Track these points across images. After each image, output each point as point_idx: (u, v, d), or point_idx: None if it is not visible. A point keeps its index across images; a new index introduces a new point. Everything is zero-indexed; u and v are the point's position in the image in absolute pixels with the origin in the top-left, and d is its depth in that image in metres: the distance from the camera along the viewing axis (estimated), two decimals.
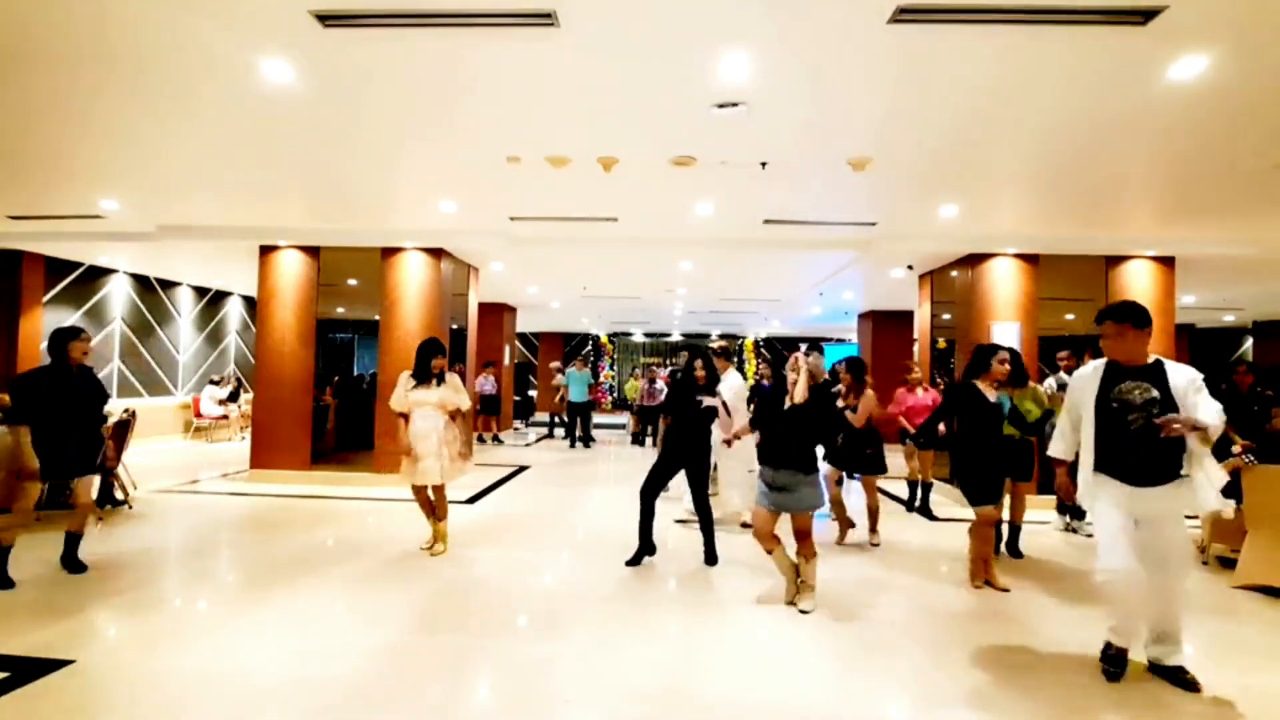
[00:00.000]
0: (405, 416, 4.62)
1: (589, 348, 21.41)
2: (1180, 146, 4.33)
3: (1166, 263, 7.10)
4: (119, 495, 6.18)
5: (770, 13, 2.87)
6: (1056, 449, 3.22)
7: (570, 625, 3.46)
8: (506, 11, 2.86)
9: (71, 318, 9.55)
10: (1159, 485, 2.80)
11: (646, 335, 21.68)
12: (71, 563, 4.26)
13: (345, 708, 2.60)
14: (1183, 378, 2.81)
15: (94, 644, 3.18)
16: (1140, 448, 2.80)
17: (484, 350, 12.48)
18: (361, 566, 4.42)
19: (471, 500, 6.77)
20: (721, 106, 3.79)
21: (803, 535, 3.67)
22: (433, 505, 4.77)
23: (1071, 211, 6.02)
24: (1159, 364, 2.88)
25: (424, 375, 4.62)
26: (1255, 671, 3.08)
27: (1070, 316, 9.20)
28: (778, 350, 21.10)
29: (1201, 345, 15.20)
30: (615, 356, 21.86)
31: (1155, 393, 2.79)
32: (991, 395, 4.24)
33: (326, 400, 9.41)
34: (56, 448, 4.02)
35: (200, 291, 12.08)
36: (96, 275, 9.94)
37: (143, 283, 10.80)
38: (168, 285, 11.33)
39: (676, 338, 21.52)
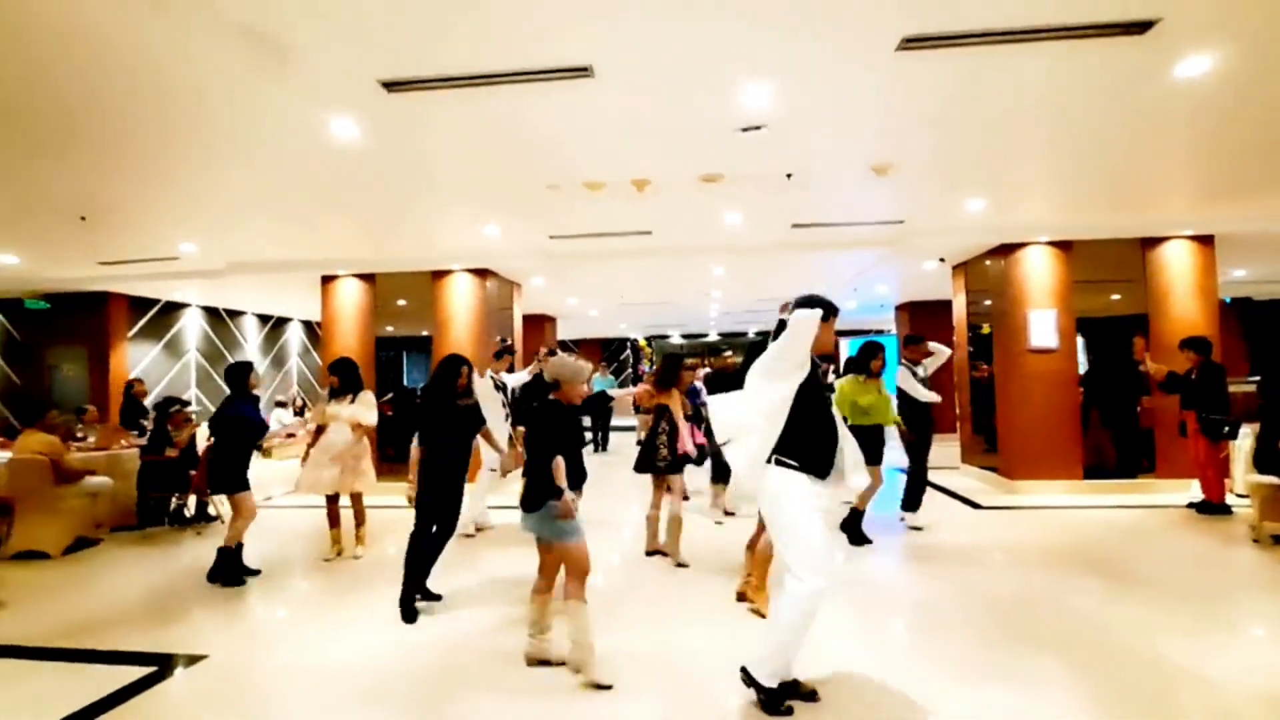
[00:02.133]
0: (321, 428, 5.12)
1: (626, 352, 21.79)
2: (1204, 131, 4.40)
3: (1205, 241, 7.05)
4: (211, 512, 6.79)
5: (785, 50, 3.15)
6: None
7: (625, 612, 3.78)
8: (548, 68, 3.21)
9: (152, 350, 10.37)
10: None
11: (684, 337, 21.95)
12: (240, 568, 4.74)
13: (423, 694, 2.98)
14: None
15: (223, 640, 3.65)
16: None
17: (528, 361, 12.94)
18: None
19: None
20: (745, 130, 4.07)
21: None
22: (338, 515, 5.21)
23: (1102, 198, 6.08)
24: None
25: (342, 390, 5.14)
26: None
27: (1116, 297, 9.12)
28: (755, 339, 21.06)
29: (1254, 319, 14.65)
30: (654, 359, 22.19)
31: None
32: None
33: (386, 412, 9.98)
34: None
35: (264, 319, 12.89)
36: (172, 310, 10.76)
37: (213, 314, 11.62)
38: (235, 315, 12.15)
39: (714, 338, 21.73)
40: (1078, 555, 4.76)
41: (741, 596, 3.87)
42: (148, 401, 8.52)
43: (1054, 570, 4.43)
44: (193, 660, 3.38)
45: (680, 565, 4.66)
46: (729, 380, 4.70)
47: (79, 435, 7.13)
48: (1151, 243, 7.11)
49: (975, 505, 6.54)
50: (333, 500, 5.19)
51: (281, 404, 12.53)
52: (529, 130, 4.02)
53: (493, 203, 5.68)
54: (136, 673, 3.24)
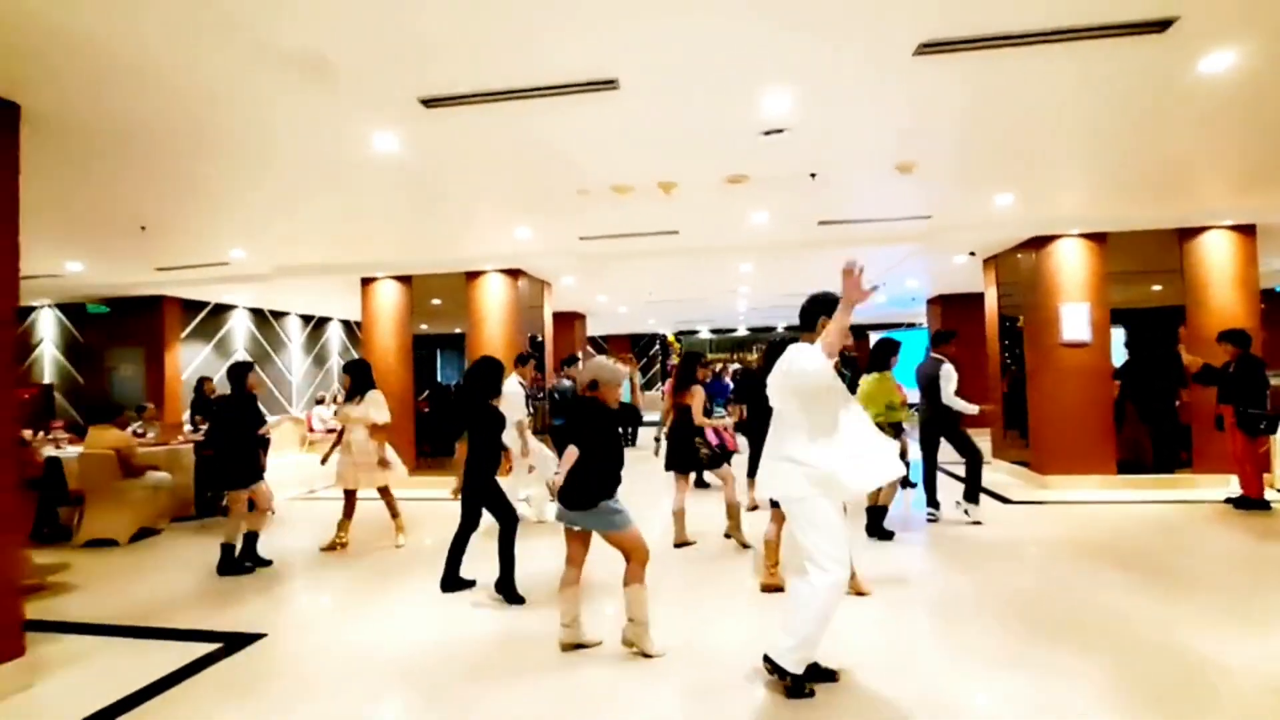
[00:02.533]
0: (342, 429, 5.43)
1: (656, 347, 21.94)
2: (1236, 123, 4.34)
3: (1246, 231, 6.88)
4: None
5: (803, 59, 3.26)
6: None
7: (656, 599, 3.95)
8: (576, 82, 3.37)
9: (203, 351, 10.90)
10: None
11: (713, 332, 22.00)
12: (252, 557, 5.05)
13: (468, 670, 3.19)
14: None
15: (279, 621, 3.93)
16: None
17: (558, 356, 13.20)
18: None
19: None
20: (767, 133, 4.18)
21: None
22: (352, 508, 5.50)
23: (1136, 190, 5.99)
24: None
25: (353, 392, 5.45)
26: None
27: (1157, 288, 8.90)
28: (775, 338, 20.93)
29: None
30: (683, 354, 22.28)
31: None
32: None
33: (424, 408, 10.33)
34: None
35: (306, 319, 13.39)
36: (221, 311, 11.27)
37: (259, 315, 12.13)
38: (279, 316, 12.65)
39: (743, 333, 21.74)
40: (1106, 550, 4.76)
41: (767, 588, 4.00)
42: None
43: (1080, 564, 4.45)
44: (253, 639, 3.66)
45: (745, 546, 4.95)
46: (757, 379, 4.76)
47: (140, 432, 7.58)
48: (1189, 233, 6.97)
49: (1005, 500, 6.54)
50: (350, 494, 5.48)
51: (320, 401, 13.00)
52: (558, 139, 4.20)
53: (524, 207, 5.89)
54: (204, 649, 3.53)
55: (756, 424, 4.35)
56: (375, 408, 5.47)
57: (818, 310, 2.89)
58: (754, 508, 6.28)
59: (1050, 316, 7.09)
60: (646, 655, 3.15)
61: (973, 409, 5.54)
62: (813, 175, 5.12)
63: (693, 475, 5.12)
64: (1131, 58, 3.33)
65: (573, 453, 3.15)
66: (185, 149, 4.16)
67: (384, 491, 5.56)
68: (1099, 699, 2.70)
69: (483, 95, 3.47)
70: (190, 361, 10.61)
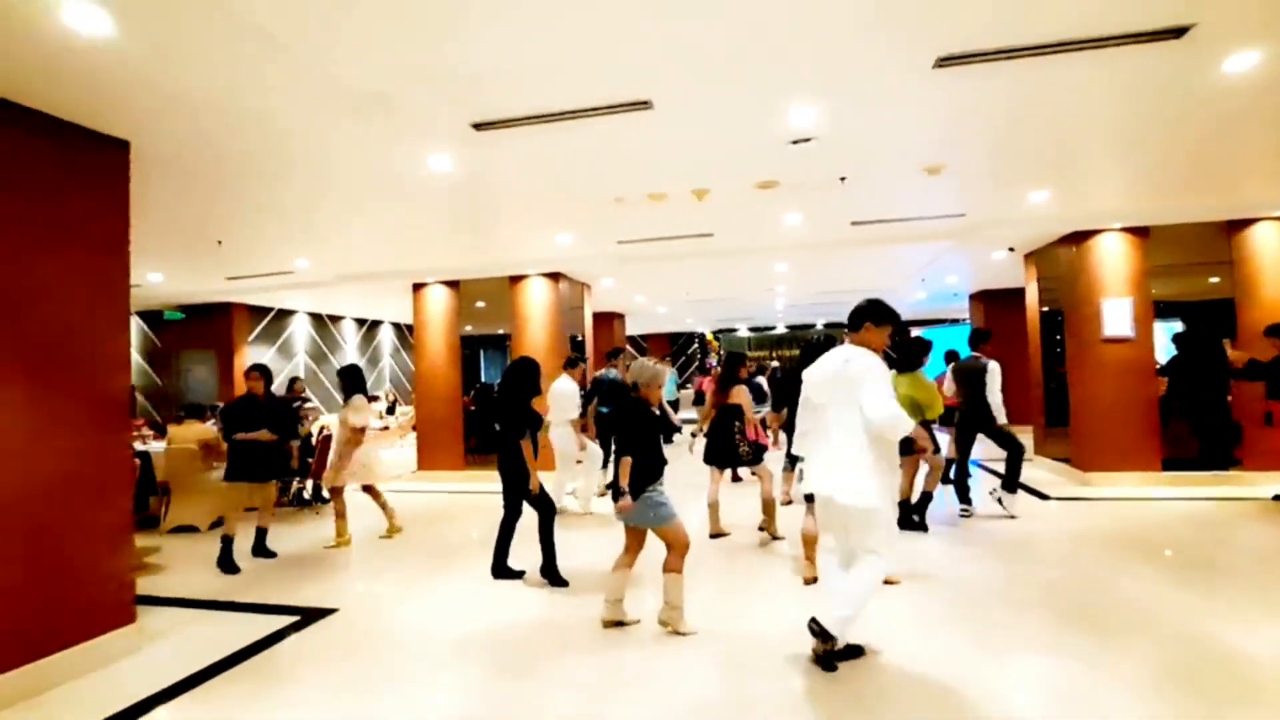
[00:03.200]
0: (362, 430, 5.67)
1: (695, 346, 22.11)
2: (1270, 117, 4.33)
3: None
4: (325, 495, 7.69)
5: (826, 75, 3.45)
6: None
7: (693, 586, 4.20)
8: (614, 104, 3.64)
9: (268, 353, 11.61)
10: None
11: (751, 330, 22.05)
12: (260, 550, 5.38)
13: (518, 647, 3.50)
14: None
15: (348, 599, 4.33)
16: None
17: (599, 354, 13.55)
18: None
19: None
20: (795, 142, 4.37)
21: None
22: (341, 508, 5.72)
23: (1178, 183, 5.91)
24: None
25: (345, 396, 5.74)
26: None
27: (1214, 280, 8.66)
28: (811, 338, 20.72)
29: None
30: (721, 354, 22.40)
31: None
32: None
33: (470, 406, 10.80)
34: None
35: (360, 322, 14.08)
36: (283, 316, 11.99)
37: (317, 319, 12.83)
38: (335, 319, 13.36)
39: (781, 330, 21.73)
40: (1143, 544, 4.79)
41: (810, 581, 4.20)
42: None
43: (1115, 558, 4.50)
44: (326, 613, 4.06)
45: (777, 538, 5.20)
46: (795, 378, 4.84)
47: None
48: (1238, 225, 6.82)
49: (1044, 496, 6.54)
50: (335, 492, 5.78)
51: (374, 399, 13.67)
52: (597, 155, 4.48)
53: (565, 215, 6.20)
54: (283, 621, 3.94)
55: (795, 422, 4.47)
56: (353, 412, 5.73)
57: (865, 316, 3.11)
58: (788, 502, 6.45)
59: (1092, 312, 7.04)
60: (680, 633, 3.44)
61: (1001, 416, 5.66)
62: (842, 179, 5.27)
63: (728, 470, 5.36)
64: (1154, 62, 3.40)
65: (627, 463, 3.42)
66: (262, 174, 4.61)
67: (369, 490, 5.82)
68: (1126, 687, 2.81)
69: (528, 118, 3.78)
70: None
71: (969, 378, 5.84)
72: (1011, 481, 5.68)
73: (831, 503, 3.01)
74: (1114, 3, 2.88)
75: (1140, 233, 6.95)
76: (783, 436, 5.40)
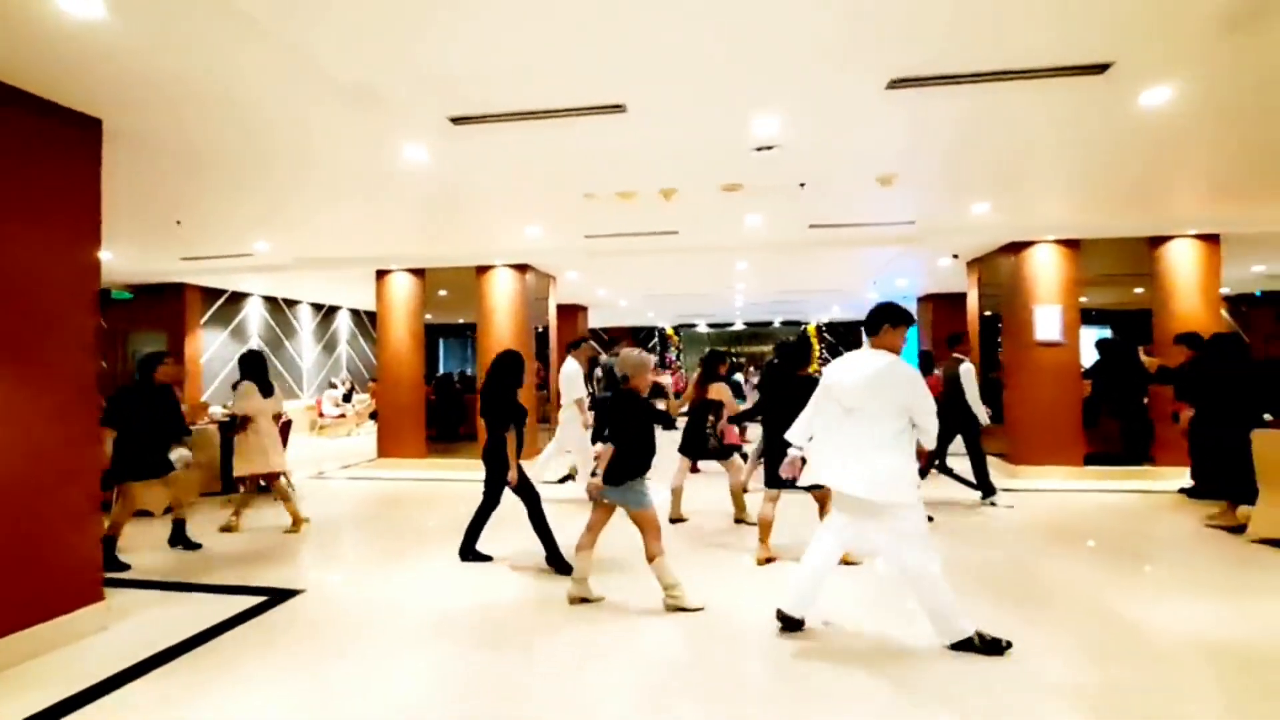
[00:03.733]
0: (250, 418, 5.64)
1: (655, 340, 22.38)
2: (1181, 147, 4.79)
3: (1210, 240, 7.34)
4: (283, 482, 7.63)
5: (788, 90, 3.69)
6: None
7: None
8: (588, 106, 3.81)
9: (220, 336, 11.34)
10: None
11: (710, 326, 22.45)
12: (180, 540, 5.25)
13: (490, 624, 3.68)
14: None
15: (313, 580, 4.41)
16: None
17: (561, 345, 13.67)
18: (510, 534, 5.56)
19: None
20: (759, 149, 4.62)
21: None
22: (285, 492, 5.80)
23: (1105, 201, 6.40)
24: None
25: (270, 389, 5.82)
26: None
27: (1139, 290, 9.37)
28: (841, 334, 21.43)
29: None
30: (681, 347, 22.74)
31: None
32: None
33: (431, 397, 10.79)
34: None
35: (317, 307, 13.83)
36: (237, 299, 11.71)
37: (272, 303, 12.56)
38: (291, 304, 13.09)
39: (740, 327, 22.18)
40: (1065, 531, 5.26)
41: (764, 562, 4.49)
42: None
43: (1039, 543, 4.94)
44: (293, 593, 4.14)
45: (750, 523, 5.41)
46: (778, 375, 4.93)
47: None
48: (1158, 241, 7.43)
49: (976, 488, 7.01)
50: (238, 481, 5.86)
51: (332, 385, 13.49)
52: (571, 153, 4.64)
53: (535, 209, 6.33)
54: (250, 601, 4.01)
55: (773, 416, 4.70)
56: (239, 398, 5.71)
57: (883, 318, 3.26)
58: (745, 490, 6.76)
59: (1026, 317, 7.56)
60: (688, 609, 3.66)
61: (984, 417, 6.10)
62: (802, 185, 5.56)
63: (736, 459, 5.76)
64: (1082, 93, 3.76)
65: (607, 450, 3.62)
66: (238, 160, 4.61)
67: (271, 478, 5.79)
68: (1045, 650, 3.18)
69: (506, 115, 3.91)
70: (209, 347, 11.06)
71: (950, 380, 6.26)
72: (987, 484, 6.20)
73: (862, 500, 3.12)
74: (1045, 40, 3.20)
75: (1071, 245, 7.50)
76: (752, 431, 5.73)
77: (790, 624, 3.35)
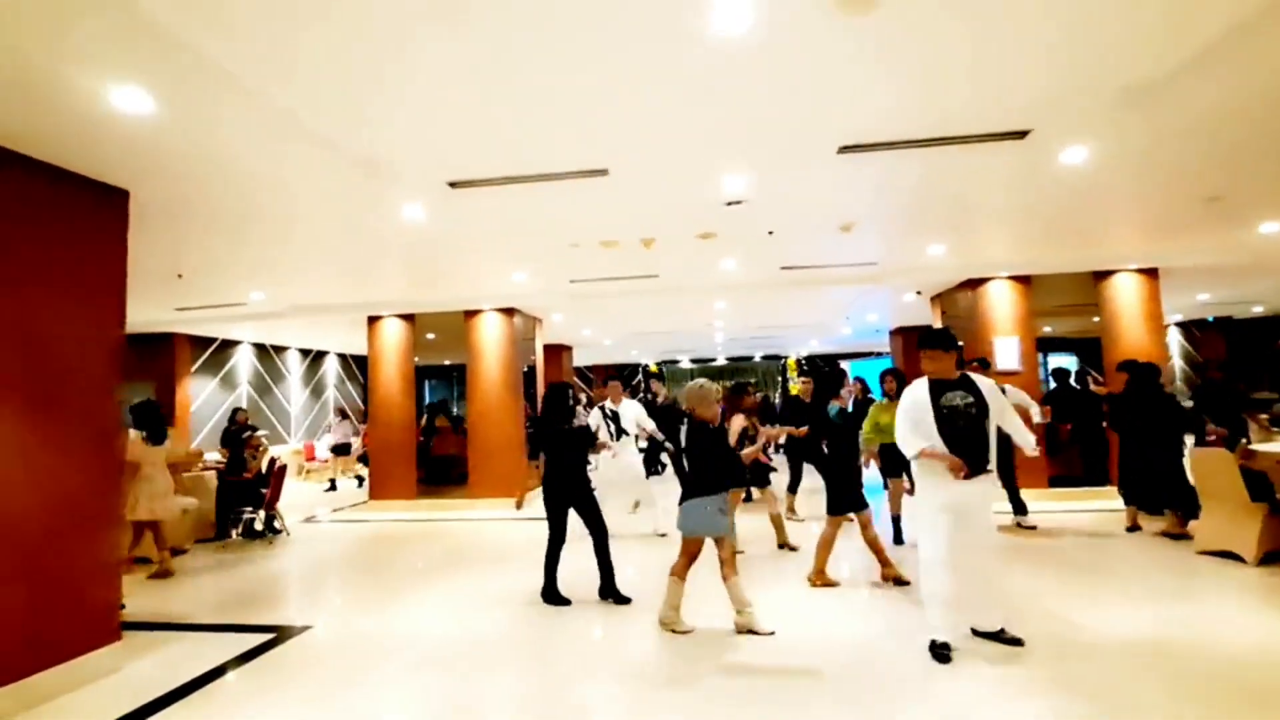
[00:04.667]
0: (138, 465, 5.70)
1: (639, 376, 22.74)
2: (1108, 196, 5.34)
3: (1150, 273, 7.93)
4: (277, 525, 7.77)
5: (752, 154, 4.17)
6: (908, 450, 3.64)
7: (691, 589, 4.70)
8: (574, 170, 4.25)
9: (210, 384, 11.49)
10: (976, 475, 3.47)
11: (693, 361, 22.88)
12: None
13: (485, 655, 3.92)
14: (987, 385, 3.63)
15: (321, 617, 4.60)
16: (966, 443, 3.48)
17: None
18: (473, 564, 5.78)
19: None
20: (729, 204, 5.08)
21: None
22: (142, 535, 5.91)
23: (1050, 241, 6.97)
24: (966, 377, 3.66)
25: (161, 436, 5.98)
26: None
27: (1096, 319, 9.96)
28: (819, 366, 21.98)
29: (1238, 336, 15.41)
30: (666, 383, 23.07)
31: (972, 398, 3.56)
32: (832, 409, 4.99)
33: (418, 437, 10.99)
34: None
35: (305, 353, 14.03)
36: (227, 346, 11.90)
37: (261, 349, 12.76)
38: (280, 350, 13.29)
39: (722, 362, 22.65)
40: (1026, 547, 5.62)
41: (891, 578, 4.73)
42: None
43: (1001, 556, 5.27)
44: (300, 630, 4.34)
45: (793, 549, 5.75)
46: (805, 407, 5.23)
47: None
48: (1102, 275, 8.00)
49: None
50: (136, 526, 5.88)
51: (328, 430, 13.59)
52: (558, 210, 5.07)
53: (523, 257, 6.74)
54: (260, 639, 4.20)
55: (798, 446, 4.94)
56: (128, 445, 5.68)
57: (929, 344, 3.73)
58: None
59: (986, 348, 8.04)
60: (758, 633, 3.83)
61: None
62: (770, 233, 6.03)
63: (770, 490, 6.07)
64: (1010, 154, 4.28)
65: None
66: (249, 222, 4.98)
67: (152, 526, 5.89)
68: (992, 651, 3.52)
69: (499, 179, 4.33)
70: (199, 394, 11.20)
71: None
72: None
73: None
74: (972, 111, 3.69)
75: (1024, 280, 8.05)
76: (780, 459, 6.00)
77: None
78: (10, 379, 3.33)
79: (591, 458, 5.19)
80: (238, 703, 3.33)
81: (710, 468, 3.91)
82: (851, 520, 4.75)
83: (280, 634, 4.27)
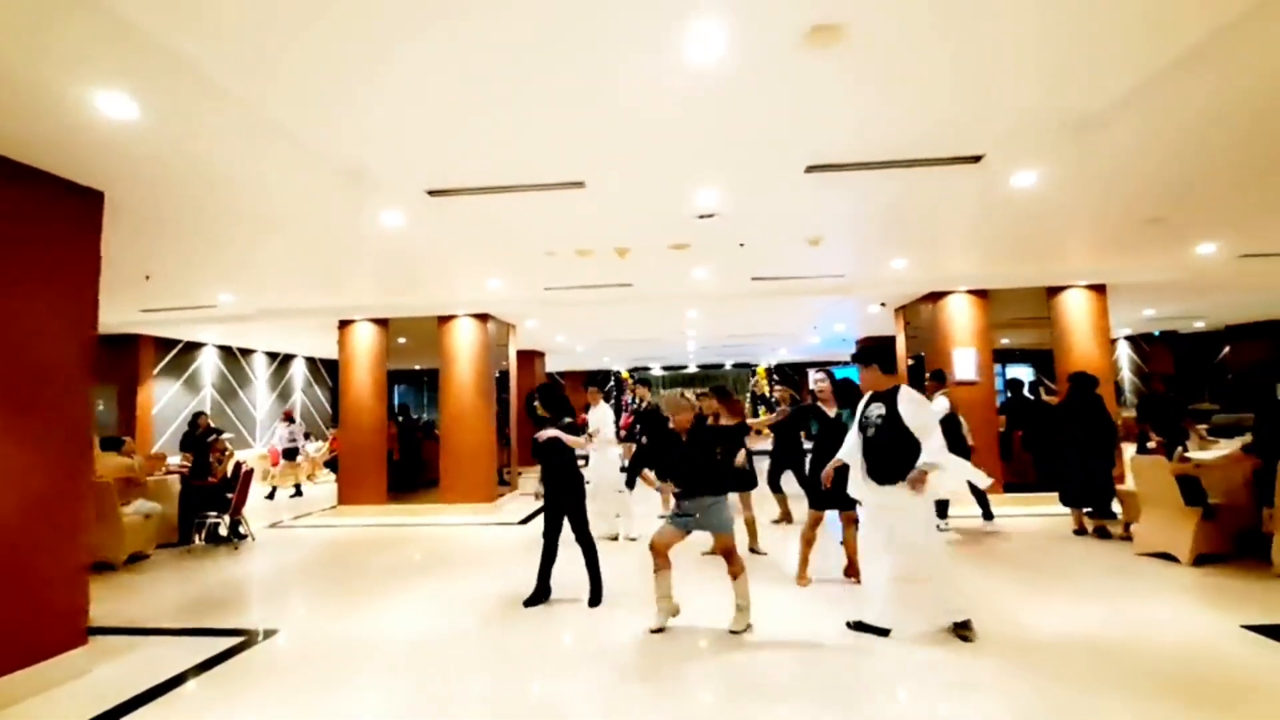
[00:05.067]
0: None
1: (611, 383, 22.85)
2: (1056, 217, 5.66)
3: (1099, 289, 8.35)
4: (242, 531, 7.67)
5: (723, 170, 4.34)
6: (844, 455, 4.09)
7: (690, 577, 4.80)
8: (551, 182, 4.37)
9: (173, 386, 11.26)
10: (893, 484, 3.78)
11: (664, 369, 23.09)
12: None
13: (454, 655, 3.99)
14: (909, 401, 3.82)
15: (289, 620, 4.61)
16: (873, 453, 3.88)
17: (521, 391, 13.96)
18: (446, 568, 5.83)
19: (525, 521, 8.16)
20: (701, 217, 5.26)
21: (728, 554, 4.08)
22: None
23: (1005, 257, 7.32)
24: (892, 391, 3.92)
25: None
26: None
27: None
28: (788, 374, 22.37)
29: (1184, 350, 16.20)
30: (635, 391, 23.25)
31: (884, 410, 3.85)
32: (831, 411, 5.19)
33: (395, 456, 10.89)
34: None
35: (272, 356, 13.82)
36: (191, 349, 11.68)
37: (227, 352, 12.54)
38: (246, 353, 13.08)
39: (693, 369, 22.89)
40: (980, 548, 5.89)
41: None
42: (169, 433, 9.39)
43: (956, 556, 5.52)
44: (269, 634, 4.34)
45: (758, 552, 5.91)
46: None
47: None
48: (1054, 291, 8.40)
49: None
50: None
51: (308, 435, 13.38)
52: (535, 220, 5.18)
53: (498, 265, 6.82)
54: (228, 642, 4.19)
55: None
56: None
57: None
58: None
59: (945, 359, 8.37)
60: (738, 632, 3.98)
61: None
62: (741, 245, 6.23)
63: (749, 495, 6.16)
64: (965, 177, 4.53)
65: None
66: (222, 225, 4.98)
67: None
68: (935, 640, 3.73)
69: (478, 189, 4.43)
70: (161, 397, 10.96)
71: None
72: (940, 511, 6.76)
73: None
74: (928, 137, 3.92)
75: (981, 294, 8.41)
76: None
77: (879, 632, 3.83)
78: None
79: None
80: (210, 704, 3.34)
81: (675, 469, 4.09)
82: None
83: (248, 638, 4.26)
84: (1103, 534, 6.32)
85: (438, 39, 2.73)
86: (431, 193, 4.48)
